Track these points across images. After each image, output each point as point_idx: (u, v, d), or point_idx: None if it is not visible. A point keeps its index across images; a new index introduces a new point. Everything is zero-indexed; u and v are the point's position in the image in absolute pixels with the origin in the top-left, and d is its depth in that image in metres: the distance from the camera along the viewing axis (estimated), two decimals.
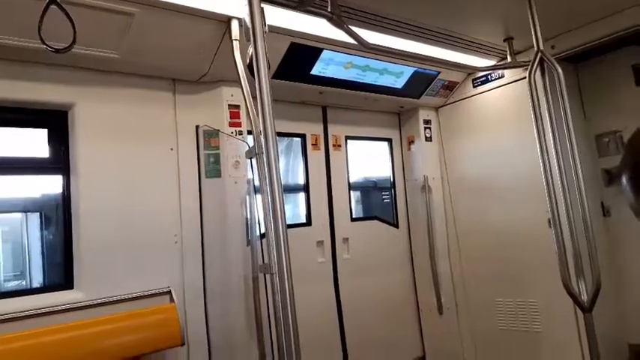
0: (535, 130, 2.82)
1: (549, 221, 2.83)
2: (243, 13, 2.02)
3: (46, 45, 1.73)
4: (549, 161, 2.79)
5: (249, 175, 3.23)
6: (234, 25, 2.80)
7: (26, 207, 3.13)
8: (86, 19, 2.25)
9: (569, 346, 3.69)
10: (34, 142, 2.85)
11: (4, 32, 2.37)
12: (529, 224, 3.95)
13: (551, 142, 2.82)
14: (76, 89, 2.84)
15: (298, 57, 3.35)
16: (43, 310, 2.57)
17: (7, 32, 2.38)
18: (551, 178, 2.77)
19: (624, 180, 3.96)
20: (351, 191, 4.42)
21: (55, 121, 2.86)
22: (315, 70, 3.54)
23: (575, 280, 2.76)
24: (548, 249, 3.03)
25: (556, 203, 2.75)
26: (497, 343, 4.26)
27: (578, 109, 4.16)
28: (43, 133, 2.86)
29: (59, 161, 2.85)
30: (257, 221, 3.14)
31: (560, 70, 2.81)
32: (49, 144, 2.86)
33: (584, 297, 2.71)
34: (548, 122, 2.84)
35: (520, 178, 4.02)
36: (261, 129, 1.70)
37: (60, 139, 2.86)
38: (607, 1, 3.27)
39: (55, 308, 2.61)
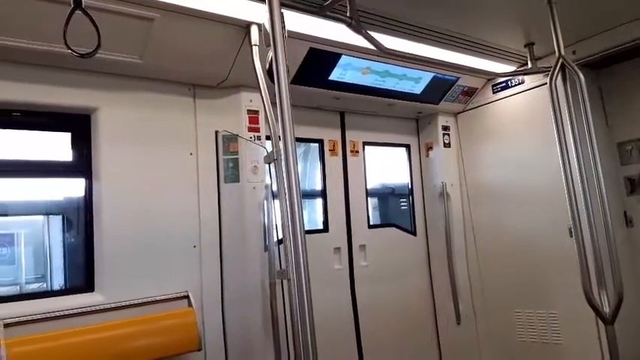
0: (556, 137, 2.78)
1: (570, 230, 2.78)
2: (263, 18, 2.04)
3: (71, 50, 1.76)
4: (570, 169, 2.74)
5: (268, 181, 3.24)
6: (254, 30, 2.82)
7: (48, 210, 3.18)
8: (109, 24, 2.27)
9: (590, 359, 3.61)
10: (57, 146, 2.90)
11: (29, 37, 2.43)
12: (549, 233, 3.89)
13: (573, 149, 2.78)
14: (99, 94, 2.89)
15: (317, 62, 3.36)
16: (63, 313, 2.60)
17: (33, 37, 2.43)
18: (573, 186, 2.72)
19: None
20: (369, 198, 4.40)
21: (78, 125, 2.90)
22: (334, 76, 3.55)
23: (597, 292, 2.70)
24: (569, 259, 2.98)
25: (577, 212, 2.70)
26: (516, 354, 4.19)
27: (600, 116, 4.09)
28: (67, 136, 2.91)
29: (82, 164, 2.90)
30: (275, 227, 3.14)
31: (581, 77, 2.77)
32: (72, 147, 2.91)
33: (606, 309, 2.65)
34: (570, 129, 2.80)
35: (540, 186, 3.96)
36: (281, 134, 1.70)
37: (82, 142, 2.90)
38: (630, 7, 3.22)
39: (76, 311, 2.64)
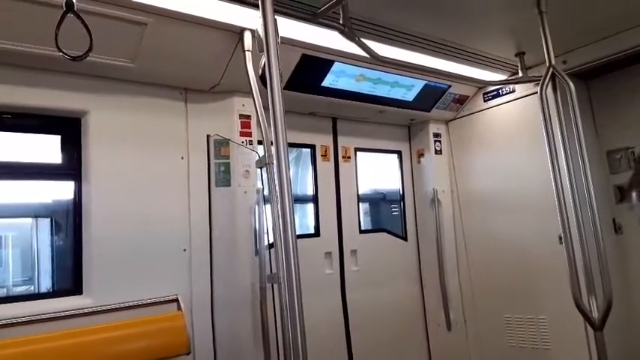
0: (546, 146, 2.81)
1: (560, 237, 2.80)
2: (256, 24, 2.05)
3: (63, 53, 1.76)
4: (560, 177, 2.77)
5: (259, 185, 3.24)
6: (247, 36, 2.83)
7: (37, 212, 3.15)
8: (101, 27, 2.27)
9: None
10: (47, 148, 2.88)
11: (20, 40, 2.41)
12: (539, 240, 3.92)
13: (563, 157, 2.81)
14: (89, 97, 2.88)
15: (310, 69, 3.37)
16: (51, 315, 2.58)
17: (24, 40, 2.42)
18: (563, 193, 2.75)
19: (634, 196, 3.95)
20: (360, 203, 4.40)
21: (68, 128, 2.89)
22: (326, 82, 3.56)
23: (586, 298, 2.73)
24: (559, 265, 3.00)
25: (567, 219, 2.73)
26: None
27: (590, 125, 4.14)
28: (56, 139, 2.89)
29: (71, 167, 2.88)
30: (266, 231, 3.14)
31: (572, 86, 2.80)
32: (61, 150, 2.89)
33: (596, 314, 2.68)
34: (560, 138, 2.83)
35: (531, 193, 3.99)
36: (273, 139, 1.71)
37: (72, 145, 2.89)
38: (620, 17, 3.26)
39: (64, 313, 2.62)
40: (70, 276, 2.85)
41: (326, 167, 4.18)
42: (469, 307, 4.53)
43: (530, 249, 4.02)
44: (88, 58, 1.86)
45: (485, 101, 4.43)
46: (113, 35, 2.54)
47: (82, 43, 1.80)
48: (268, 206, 2.73)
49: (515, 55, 3.74)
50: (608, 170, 4.16)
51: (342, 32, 2.71)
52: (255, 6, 1.86)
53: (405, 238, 4.67)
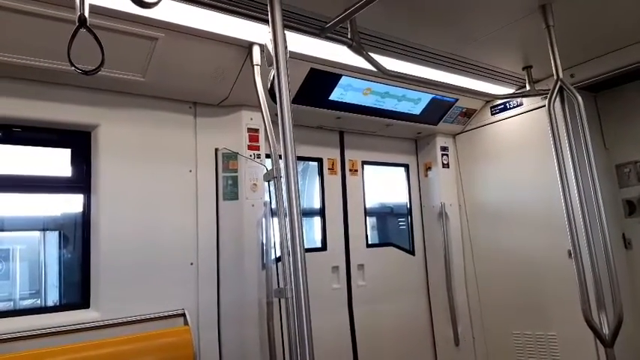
0: (555, 159, 2.79)
1: (569, 252, 2.77)
2: (265, 39, 2.07)
3: (75, 67, 1.77)
4: (569, 190, 2.75)
5: (266, 198, 3.24)
6: (256, 50, 2.86)
7: (46, 225, 3.17)
8: (113, 42, 2.31)
9: None
10: (57, 161, 2.91)
11: (33, 54, 2.45)
12: (548, 255, 3.88)
13: (571, 171, 2.79)
14: (100, 110, 2.90)
15: (317, 82, 3.39)
16: (58, 329, 2.58)
17: (36, 54, 2.45)
18: (572, 207, 2.73)
19: None
20: (367, 217, 4.39)
21: (78, 141, 2.92)
22: (334, 96, 3.57)
23: (596, 314, 2.69)
24: (568, 280, 2.97)
25: (576, 233, 2.70)
26: None
27: (598, 139, 4.12)
28: (67, 152, 2.92)
29: (81, 180, 2.90)
30: (273, 245, 3.13)
31: (580, 99, 2.79)
32: (71, 163, 2.92)
33: (606, 331, 2.64)
34: (568, 151, 2.82)
35: (539, 208, 3.97)
36: (282, 153, 1.71)
37: (82, 158, 2.92)
38: (627, 30, 3.26)
39: (71, 327, 2.61)
40: (77, 289, 2.85)
41: (333, 181, 4.18)
42: (477, 323, 4.48)
43: (539, 264, 3.98)
44: (100, 72, 1.88)
45: (492, 115, 4.43)
46: (124, 50, 2.57)
47: (93, 58, 1.82)
48: (275, 220, 2.73)
49: (523, 69, 3.75)
50: (617, 184, 4.13)
51: (350, 46, 2.73)
52: (265, 21, 1.88)
53: (412, 253, 4.64)
